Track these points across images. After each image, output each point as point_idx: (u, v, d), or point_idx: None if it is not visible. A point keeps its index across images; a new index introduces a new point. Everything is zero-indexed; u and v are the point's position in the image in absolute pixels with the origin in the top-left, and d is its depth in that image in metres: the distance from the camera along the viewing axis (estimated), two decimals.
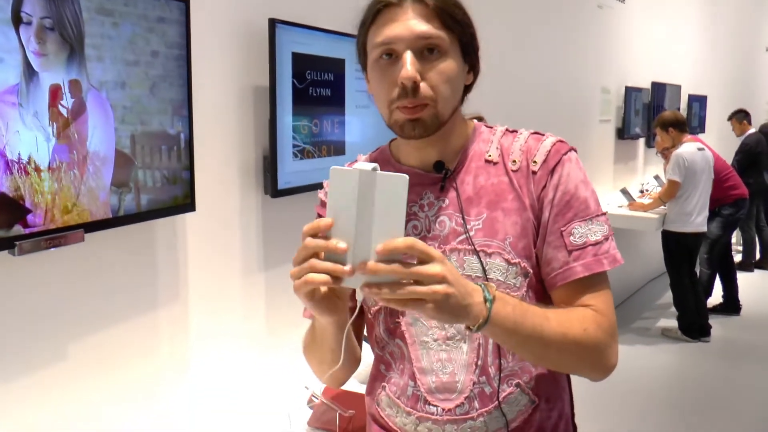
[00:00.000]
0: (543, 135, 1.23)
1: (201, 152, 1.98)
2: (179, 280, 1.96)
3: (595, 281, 1.17)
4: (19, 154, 1.38)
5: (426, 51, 1.13)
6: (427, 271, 0.93)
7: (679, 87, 6.90)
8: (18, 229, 1.41)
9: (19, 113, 1.37)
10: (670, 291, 5.08)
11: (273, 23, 2.11)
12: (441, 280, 0.93)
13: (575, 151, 1.22)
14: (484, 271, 1.17)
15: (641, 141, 6.37)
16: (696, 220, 4.81)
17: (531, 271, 1.19)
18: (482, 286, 1.02)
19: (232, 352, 2.19)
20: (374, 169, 0.92)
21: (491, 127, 1.27)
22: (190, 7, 1.76)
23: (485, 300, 1.01)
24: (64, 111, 1.45)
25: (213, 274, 2.09)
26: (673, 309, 5.16)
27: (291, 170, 2.25)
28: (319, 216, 1.33)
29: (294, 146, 2.25)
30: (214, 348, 2.12)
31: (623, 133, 5.68)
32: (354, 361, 1.32)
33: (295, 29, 2.20)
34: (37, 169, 1.41)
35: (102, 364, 1.73)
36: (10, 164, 1.36)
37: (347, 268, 0.93)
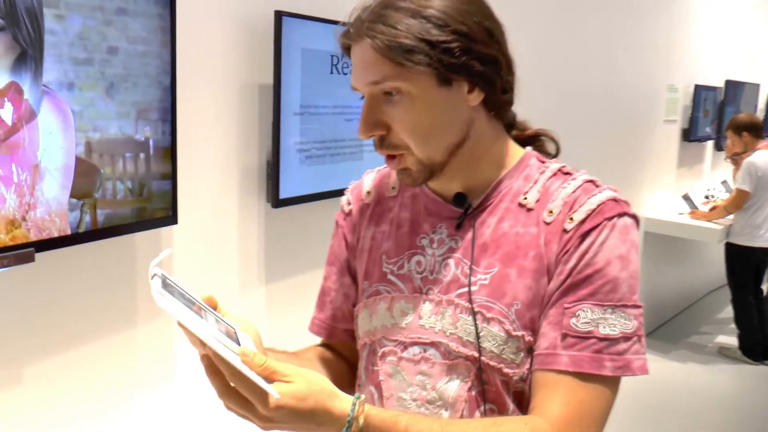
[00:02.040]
0: (598, 187, 1.01)
1: (194, 158, 1.80)
2: None
3: (581, 384, 0.94)
4: None
5: (386, 94, 0.96)
6: (249, 414, 0.85)
7: (757, 86, 6.39)
8: None
9: None
10: (731, 306, 4.71)
11: (279, 16, 1.90)
12: (263, 419, 0.85)
13: (632, 217, 0.99)
14: (478, 337, 0.99)
15: (710, 144, 5.92)
16: (765, 234, 4.41)
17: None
18: (350, 416, 0.87)
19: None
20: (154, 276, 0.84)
21: (543, 162, 1.06)
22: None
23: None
24: (6, 117, 1.28)
25: (205, 290, 1.91)
26: (734, 326, 4.77)
27: (297, 177, 2.05)
28: (337, 225, 1.19)
29: (301, 151, 2.05)
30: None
31: (690, 134, 5.27)
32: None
33: (304, 22, 1.99)
34: None
35: (69, 386, 1.58)
36: None
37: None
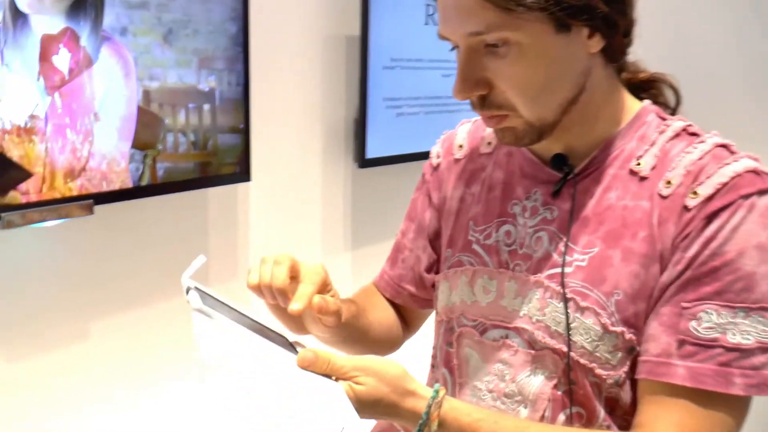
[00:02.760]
0: (733, 153, 0.81)
1: (271, 113, 1.72)
2: (237, 260, 1.73)
3: (701, 404, 0.77)
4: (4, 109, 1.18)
5: (489, 46, 0.79)
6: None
7: None
8: (14, 196, 1.23)
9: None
10: None
11: None
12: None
13: None
14: (568, 328, 0.84)
15: None
16: None
17: (638, 347, 0.83)
18: (422, 420, 0.76)
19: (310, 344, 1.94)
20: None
21: (664, 119, 0.89)
22: None
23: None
24: (62, 64, 1.24)
25: (286, 250, 1.83)
26: None
27: (387, 136, 1.92)
28: (423, 178, 1.10)
29: (392, 108, 1.91)
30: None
31: None
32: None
33: None
34: (27, 131, 1.21)
35: (132, 342, 1.55)
36: None
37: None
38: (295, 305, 0.84)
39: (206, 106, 1.44)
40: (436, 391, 0.78)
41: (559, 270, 0.85)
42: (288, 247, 1.75)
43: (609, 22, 0.80)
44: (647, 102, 0.90)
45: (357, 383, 0.76)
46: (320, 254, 1.94)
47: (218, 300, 0.83)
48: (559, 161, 0.88)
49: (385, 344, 1.11)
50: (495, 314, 0.92)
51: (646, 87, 0.93)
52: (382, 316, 1.10)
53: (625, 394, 0.85)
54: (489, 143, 1.01)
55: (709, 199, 0.78)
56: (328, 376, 0.76)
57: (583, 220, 0.86)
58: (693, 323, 0.77)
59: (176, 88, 1.38)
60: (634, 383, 0.84)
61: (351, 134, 1.92)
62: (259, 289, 0.88)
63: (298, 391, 0.75)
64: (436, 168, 1.06)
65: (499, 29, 0.77)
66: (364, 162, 1.87)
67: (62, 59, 1.24)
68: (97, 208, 1.32)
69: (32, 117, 1.21)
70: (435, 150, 1.08)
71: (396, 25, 1.88)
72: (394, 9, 1.86)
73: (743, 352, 0.75)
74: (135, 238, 1.50)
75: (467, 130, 1.05)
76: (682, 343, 0.78)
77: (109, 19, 1.28)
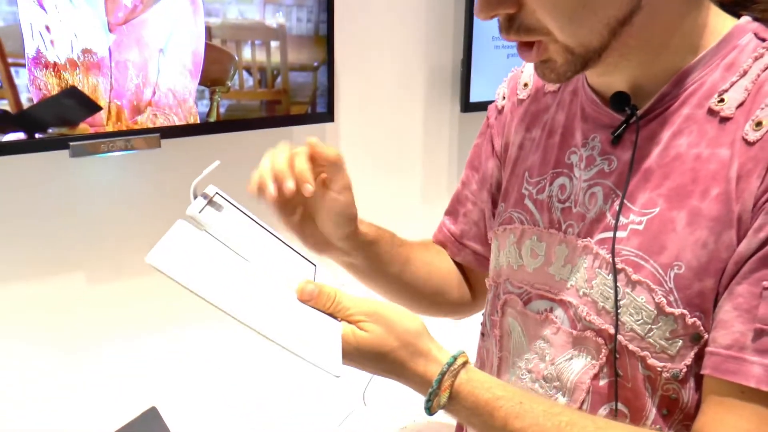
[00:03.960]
0: None
1: (367, 51, 1.65)
2: None
3: None
4: (71, 44, 1.24)
5: None
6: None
7: None
8: (83, 128, 1.30)
9: None
10: None
11: None
12: None
13: None
14: (617, 305, 0.69)
15: None
16: None
17: (707, 335, 0.66)
18: (432, 388, 0.67)
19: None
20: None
21: (765, 39, 0.68)
22: None
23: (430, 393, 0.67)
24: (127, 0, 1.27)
25: (380, 199, 1.78)
26: None
27: (495, 79, 1.76)
28: (487, 122, 0.96)
29: (501, 47, 1.76)
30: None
31: None
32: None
33: None
34: (94, 65, 1.26)
35: None
36: (57, 56, 1.24)
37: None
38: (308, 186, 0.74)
39: (273, 43, 1.41)
40: (454, 357, 0.68)
41: (610, 234, 0.71)
42: (383, 200, 1.70)
43: None
44: (746, 18, 0.70)
45: (361, 329, 0.68)
46: (420, 208, 1.86)
47: (238, 208, 0.77)
48: (620, 100, 0.72)
49: (440, 301, 0.99)
50: (542, 282, 0.79)
51: (746, 1, 0.72)
52: (434, 261, 0.98)
53: (688, 394, 0.69)
54: None
55: None
56: (333, 316, 0.69)
57: (645, 173, 0.70)
58: None
59: (240, 24, 1.37)
60: (700, 381, 0.68)
61: (456, 76, 1.80)
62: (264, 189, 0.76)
63: (298, 309, 0.69)
64: (500, 111, 0.93)
65: None
66: (467, 106, 1.75)
67: None
68: (165, 142, 1.36)
69: (96, 52, 1.26)
70: (500, 90, 0.95)
71: None
72: None
73: None
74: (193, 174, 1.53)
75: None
76: (760, 333, 0.61)
77: None
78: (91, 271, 1.45)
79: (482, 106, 1.75)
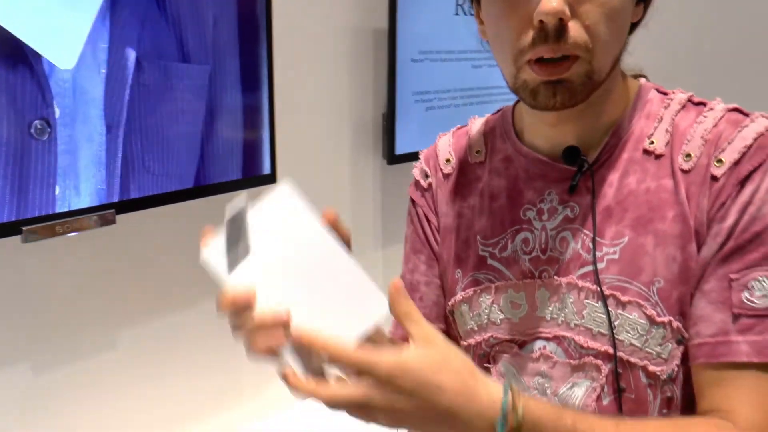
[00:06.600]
0: (747, 115, 0.77)
1: (296, 110, 1.66)
2: None
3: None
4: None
5: None
6: (336, 394, 0.62)
7: None
8: None
9: None
10: None
11: None
12: (356, 405, 0.61)
13: None
14: (611, 327, 0.78)
15: None
16: None
17: (687, 334, 0.78)
18: (504, 402, 0.62)
19: None
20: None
21: (666, 93, 0.84)
22: None
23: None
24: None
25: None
26: None
27: (416, 131, 1.85)
28: (414, 204, 0.98)
29: (421, 102, 1.84)
30: None
31: None
32: None
33: None
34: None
35: (156, 354, 1.51)
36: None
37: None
38: None
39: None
40: (509, 382, 0.65)
41: (590, 268, 0.80)
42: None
43: None
44: (643, 79, 0.86)
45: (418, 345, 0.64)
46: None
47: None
48: (573, 154, 0.82)
49: None
50: (532, 327, 0.85)
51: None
52: None
53: (679, 391, 0.79)
54: (478, 152, 0.93)
55: (737, 163, 0.74)
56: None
57: (606, 211, 0.81)
58: (745, 294, 0.72)
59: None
60: (686, 377, 0.78)
61: (380, 130, 1.86)
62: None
63: (341, 283, 0.69)
64: (427, 189, 0.96)
65: None
66: (393, 158, 1.81)
67: None
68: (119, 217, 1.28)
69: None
70: (419, 170, 0.98)
71: (425, 17, 1.80)
72: (423, 0, 1.78)
73: None
74: (151, 247, 1.46)
75: (448, 142, 0.97)
76: (737, 317, 0.72)
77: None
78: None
79: (408, 158, 1.83)
